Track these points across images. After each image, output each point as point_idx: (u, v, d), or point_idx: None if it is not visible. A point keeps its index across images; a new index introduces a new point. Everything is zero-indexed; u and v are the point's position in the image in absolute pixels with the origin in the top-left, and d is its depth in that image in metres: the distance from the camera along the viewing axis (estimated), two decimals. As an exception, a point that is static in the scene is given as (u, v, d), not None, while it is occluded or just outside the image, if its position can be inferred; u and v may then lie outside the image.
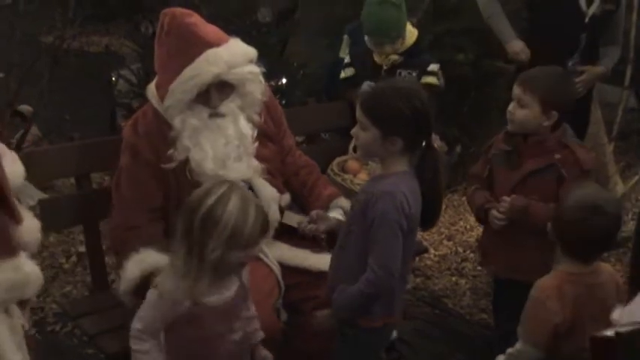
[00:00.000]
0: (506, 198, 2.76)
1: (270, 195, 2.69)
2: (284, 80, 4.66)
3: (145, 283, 2.36)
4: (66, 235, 4.34)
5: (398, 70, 3.46)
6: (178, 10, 2.62)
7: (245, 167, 2.62)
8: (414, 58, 3.47)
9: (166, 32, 2.58)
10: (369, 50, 3.54)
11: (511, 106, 2.81)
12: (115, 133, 4.83)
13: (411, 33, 3.49)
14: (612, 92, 5.09)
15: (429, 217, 2.34)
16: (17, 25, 4.81)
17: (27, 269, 1.81)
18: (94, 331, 2.71)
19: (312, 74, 4.95)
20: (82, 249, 3.96)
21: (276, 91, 4.31)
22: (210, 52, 2.52)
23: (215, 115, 2.58)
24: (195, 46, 2.53)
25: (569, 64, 3.70)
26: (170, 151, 2.58)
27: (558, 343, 2.30)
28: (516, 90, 2.79)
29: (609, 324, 1.94)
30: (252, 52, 2.66)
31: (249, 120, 2.66)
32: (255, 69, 2.64)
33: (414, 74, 3.47)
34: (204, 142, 2.56)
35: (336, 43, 4.24)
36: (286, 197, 2.81)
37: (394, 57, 3.45)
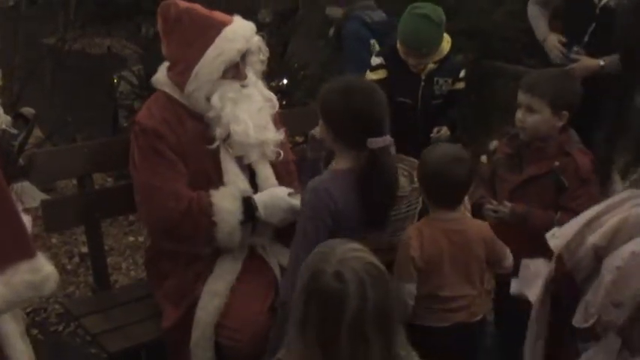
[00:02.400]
0: (507, 203, 2.78)
1: (272, 186, 2.75)
2: (285, 81, 4.68)
3: (247, 206, 2.59)
4: (68, 236, 4.36)
5: (435, 78, 3.46)
6: (176, 0, 2.67)
7: (276, 130, 2.76)
8: (446, 64, 3.48)
9: (176, 20, 2.64)
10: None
11: (519, 114, 2.78)
12: (117, 135, 4.86)
13: (447, 41, 3.47)
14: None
15: (375, 219, 2.39)
16: (19, 27, 4.84)
17: (45, 270, 1.81)
18: (97, 331, 2.73)
19: (313, 75, 4.98)
20: (85, 250, 3.99)
21: (277, 91, 4.33)
22: (228, 30, 2.63)
23: (243, 86, 2.69)
24: (212, 28, 2.62)
25: (570, 53, 3.66)
26: (215, 131, 2.64)
27: (420, 281, 2.47)
28: (522, 96, 2.78)
29: (469, 268, 2.48)
30: (253, 25, 2.75)
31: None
32: (259, 38, 2.76)
33: (449, 81, 3.49)
34: (240, 113, 2.64)
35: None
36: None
37: (431, 65, 3.43)
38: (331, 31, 4.33)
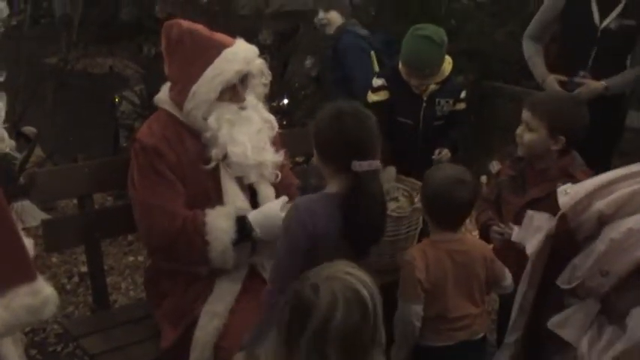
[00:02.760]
0: (512, 225, 2.77)
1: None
2: (285, 101, 4.70)
3: (242, 226, 2.60)
4: (68, 255, 4.36)
5: (437, 99, 3.47)
6: (181, 20, 2.71)
7: (274, 152, 2.78)
8: (447, 85, 3.49)
9: (178, 40, 2.67)
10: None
11: (520, 129, 2.84)
12: (118, 154, 4.86)
13: (449, 62, 3.49)
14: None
15: (359, 245, 2.33)
16: (22, 47, 4.86)
17: (45, 293, 1.80)
18: (95, 351, 2.71)
19: (314, 95, 4.99)
20: (84, 269, 3.98)
21: (278, 112, 4.34)
22: (228, 52, 2.65)
23: (241, 108, 2.70)
24: (212, 48, 2.65)
25: (576, 78, 3.68)
26: (211, 151, 2.65)
27: (427, 302, 2.49)
28: (525, 113, 2.83)
29: (471, 287, 2.51)
30: (255, 48, 2.78)
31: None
32: (262, 61, 2.78)
33: (451, 102, 3.50)
34: (238, 135, 2.65)
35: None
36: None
37: (433, 86, 3.44)
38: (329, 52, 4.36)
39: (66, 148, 4.99)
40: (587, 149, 3.76)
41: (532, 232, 2.44)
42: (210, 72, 2.61)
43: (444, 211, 2.52)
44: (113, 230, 3.20)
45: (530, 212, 2.49)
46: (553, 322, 2.28)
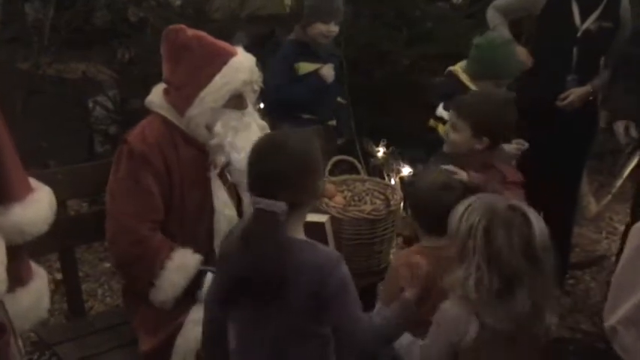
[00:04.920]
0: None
1: None
2: (262, 105, 4.68)
3: (191, 288, 2.60)
4: (43, 262, 4.28)
5: None
6: (184, 26, 2.71)
7: None
8: None
9: (184, 46, 2.67)
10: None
11: (446, 128, 2.96)
12: (93, 160, 4.81)
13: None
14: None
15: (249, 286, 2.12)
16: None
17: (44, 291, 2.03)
18: (71, 359, 2.68)
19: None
20: (60, 276, 3.93)
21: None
22: (235, 60, 2.68)
23: (242, 114, 2.73)
24: (220, 56, 2.67)
25: (569, 79, 3.74)
26: (215, 158, 2.69)
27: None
28: (451, 114, 2.93)
29: None
30: (254, 57, 2.80)
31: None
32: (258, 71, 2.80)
33: None
34: (239, 142, 2.67)
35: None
36: None
37: None
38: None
39: (39, 154, 4.93)
40: (563, 151, 3.81)
41: None
42: (219, 80, 2.63)
43: (434, 218, 2.52)
44: (88, 237, 3.17)
45: None
46: None
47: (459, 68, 3.48)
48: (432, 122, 3.38)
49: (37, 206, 2.13)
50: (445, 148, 2.97)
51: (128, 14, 5.33)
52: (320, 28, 4.00)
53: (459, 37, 4.77)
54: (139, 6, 5.20)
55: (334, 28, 4.03)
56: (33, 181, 2.21)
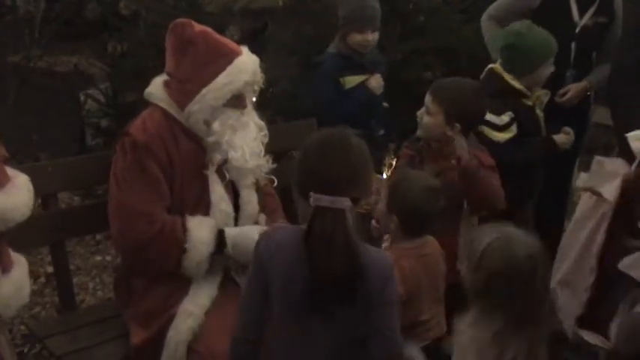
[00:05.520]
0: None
1: (253, 210, 2.83)
2: (254, 99, 4.68)
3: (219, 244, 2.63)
4: (34, 256, 4.29)
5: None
6: (191, 21, 2.71)
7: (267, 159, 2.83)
8: None
9: (190, 41, 2.66)
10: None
11: (420, 112, 2.97)
12: (85, 153, 4.80)
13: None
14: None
15: (316, 297, 2.01)
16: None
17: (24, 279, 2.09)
18: (62, 352, 2.69)
19: (281, 93, 4.97)
20: (51, 269, 3.93)
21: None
22: (240, 61, 2.68)
23: (241, 114, 2.73)
24: (225, 55, 2.68)
25: (567, 74, 3.75)
26: (213, 156, 2.69)
27: (402, 312, 2.37)
28: (427, 97, 2.94)
29: (438, 287, 2.55)
30: (257, 58, 2.80)
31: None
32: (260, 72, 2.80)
33: None
34: (237, 141, 2.68)
35: (304, 61, 4.28)
36: (263, 216, 2.88)
37: (541, 91, 3.47)
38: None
39: (30, 147, 4.91)
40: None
41: (606, 177, 2.45)
42: (222, 79, 2.63)
43: (421, 220, 2.56)
44: (80, 230, 3.17)
45: (598, 158, 2.48)
46: (624, 264, 2.32)
47: (499, 66, 3.43)
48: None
49: (17, 193, 2.21)
50: (419, 132, 3.01)
51: (120, 7, 5.30)
52: (356, 37, 3.81)
53: (450, 31, 4.78)
54: (131, -1, 5.17)
55: (372, 36, 3.82)
56: (9, 170, 2.29)
